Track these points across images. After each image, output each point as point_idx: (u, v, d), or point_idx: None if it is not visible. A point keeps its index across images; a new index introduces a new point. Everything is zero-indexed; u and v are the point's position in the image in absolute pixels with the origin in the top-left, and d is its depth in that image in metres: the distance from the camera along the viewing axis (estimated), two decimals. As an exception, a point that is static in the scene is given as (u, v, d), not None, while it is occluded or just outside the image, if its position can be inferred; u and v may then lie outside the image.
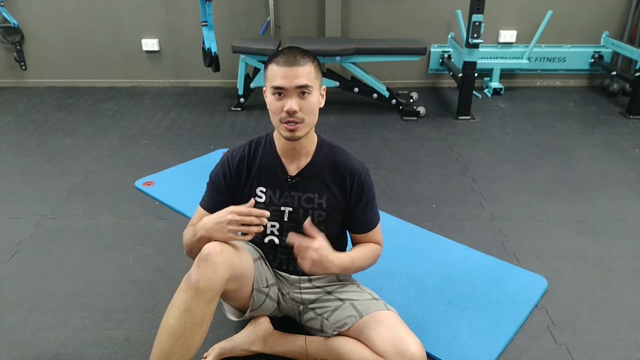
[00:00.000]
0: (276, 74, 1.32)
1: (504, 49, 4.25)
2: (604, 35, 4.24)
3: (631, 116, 3.65)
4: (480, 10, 3.30)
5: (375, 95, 3.75)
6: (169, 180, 2.68)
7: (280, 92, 1.33)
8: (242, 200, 1.49)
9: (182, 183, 2.64)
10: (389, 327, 1.38)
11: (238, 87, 3.78)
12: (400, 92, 3.98)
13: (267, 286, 1.53)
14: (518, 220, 2.33)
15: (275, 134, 1.46)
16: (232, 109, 3.83)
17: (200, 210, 1.55)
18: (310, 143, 1.46)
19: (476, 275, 1.92)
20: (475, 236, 2.20)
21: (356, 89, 3.75)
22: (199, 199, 2.46)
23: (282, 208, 1.48)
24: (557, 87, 4.42)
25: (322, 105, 1.42)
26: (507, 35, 4.25)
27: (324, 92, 1.43)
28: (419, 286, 1.86)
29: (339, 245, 1.59)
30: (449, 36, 4.23)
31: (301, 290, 1.55)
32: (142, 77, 4.43)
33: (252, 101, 3.91)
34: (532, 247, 2.12)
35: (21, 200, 2.50)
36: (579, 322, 1.71)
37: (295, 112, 1.32)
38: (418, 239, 2.17)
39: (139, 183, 2.64)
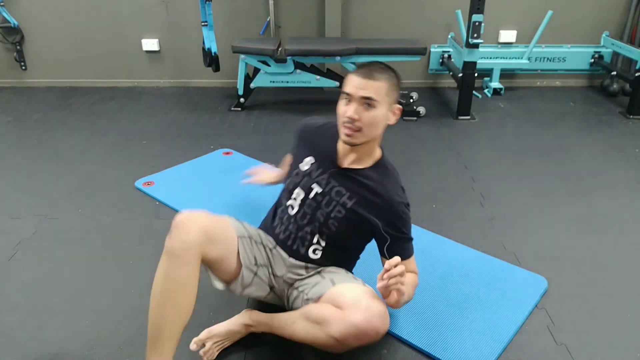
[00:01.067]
0: (349, 82, 1.44)
1: (504, 49, 4.25)
2: (604, 35, 4.24)
3: (631, 116, 3.65)
4: (480, 10, 3.30)
5: (375, 95, 3.74)
6: (169, 180, 2.68)
7: (348, 98, 1.44)
8: (295, 157, 1.67)
9: (182, 183, 2.64)
10: (358, 290, 1.41)
11: (238, 87, 3.78)
12: (400, 92, 3.97)
13: (255, 265, 1.54)
14: (518, 220, 2.33)
15: None
16: (232, 109, 3.83)
17: (289, 155, 1.79)
18: (368, 156, 1.54)
19: (476, 275, 1.92)
20: (475, 236, 2.19)
21: (356, 89, 3.74)
22: (199, 199, 2.50)
23: (314, 185, 1.54)
24: (557, 87, 4.42)
25: (391, 122, 1.50)
26: (507, 35, 4.25)
27: (397, 111, 1.51)
28: (419, 286, 1.85)
29: (345, 257, 1.61)
30: (449, 36, 4.23)
31: (294, 276, 1.57)
32: (142, 77, 4.43)
33: (252, 101, 3.91)
34: (532, 247, 2.12)
35: (21, 200, 2.50)
36: (579, 322, 1.71)
37: (354, 119, 1.42)
38: (418, 239, 2.15)
39: (139, 183, 2.64)
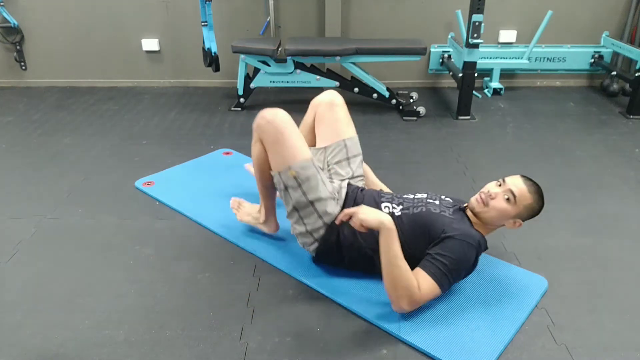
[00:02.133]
0: (513, 177, 1.76)
1: (504, 49, 4.25)
2: (604, 35, 4.24)
3: (631, 116, 3.65)
4: (480, 10, 3.30)
5: (375, 95, 3.75)
6: (169, 180, 2.68)
7: (501, 184, 1.76)
8: None
9: (182, 183, 2.64)
10: None
11: (238, 87, 3.78)
12: (400, 92, 3.98)
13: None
14: (518, 220, 2.33)
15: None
16: (232, 109, 3.83)
17: None
18: (479, 227, 1.79)
19: (476, 275, 1.91)
20: (475, 236, 2.19)
21: (356, 89, 3.75)
22: (199, 199, 2.49)
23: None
24: (557, 87, 4.42)
25: (507, 226, 1.77)
26: (507, 35, 4.25)
27: (516, 224, 1.75)
28: (419, 286, 1.86)
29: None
30: (449, 36, 4.23)
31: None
32: (142, 77, 4.43)
33: (252, 101, 3.91)
34: (532, 247, 2.13)
35: (21, 200, 2.50)
36: (579, 322, 1.71)
37: (491, 196, 1.73)
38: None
39: (139, 183, 2.64)
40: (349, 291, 1.81)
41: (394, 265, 1.59)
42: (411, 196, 1.91)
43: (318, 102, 2.14)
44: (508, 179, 1.75)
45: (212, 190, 2.53)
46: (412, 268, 1.66)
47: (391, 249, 1.59)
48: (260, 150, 1.84)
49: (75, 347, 1.60)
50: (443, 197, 1.92)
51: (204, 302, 1.80)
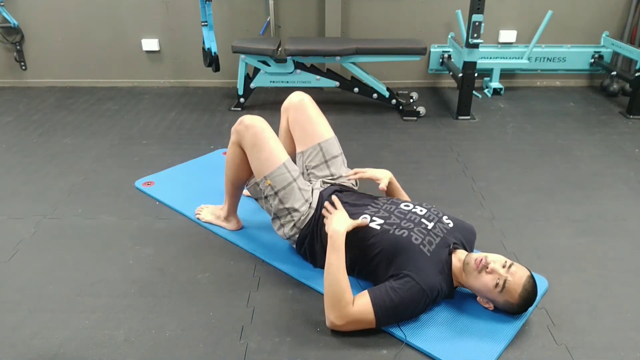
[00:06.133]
0: (522, 268, 1.63)
1: (504, 49, 4.25)
2: (604, 35, 4.24)
3: (631, 116, 3.65)
4: (480, 10, 3.30)
5: (375, 95, 3.75)
6: (169, 180, 2.68)
7: (505, 265, 1.62)
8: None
9: (182, 183, 2.64)
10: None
11: (238, 87, 3.79)
12: (400, 92, 3.98)
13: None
14: (518, 220, 2.33)
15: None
16: (232, 109, 3.83)
17: None
18: (457, 275, 1.72)
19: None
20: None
21: (356, 89, 3.75)
22: (199, 199, 2.50)
23: (407, 229, 1.75)
24: (557, 87, 4.42)
25: (479, 300, 1.71)
26: (507, 35, 4.25)
27: (488, 305, 1.70)
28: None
29: (367, 248, 1.75)
30: (449, 36, 4.23)
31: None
32: (142, 77, 4.43)
33: (252, 101, 3.91)
34: (532, 247, 2.13)
35: (21, 200, 2.50)
36: (579, 322, 1.72)
37: (487, 267, 1.62)
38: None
39: (139, 183, 2.64)
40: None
41: (328, 274, 1.63)
42: (408, 208, 1.84)
43: (287, 106, 2.13)
44: (515, 268, 1.61)
45: (212, 190, 2.53)
46: (371, 281, 1.77)
47: (329, 258, 1.65)
48: (236, 152, 1.93)
49: (75, 347, 1.60)
50: (445, 218, 1.83)
51: (204, 302, 1.80)
